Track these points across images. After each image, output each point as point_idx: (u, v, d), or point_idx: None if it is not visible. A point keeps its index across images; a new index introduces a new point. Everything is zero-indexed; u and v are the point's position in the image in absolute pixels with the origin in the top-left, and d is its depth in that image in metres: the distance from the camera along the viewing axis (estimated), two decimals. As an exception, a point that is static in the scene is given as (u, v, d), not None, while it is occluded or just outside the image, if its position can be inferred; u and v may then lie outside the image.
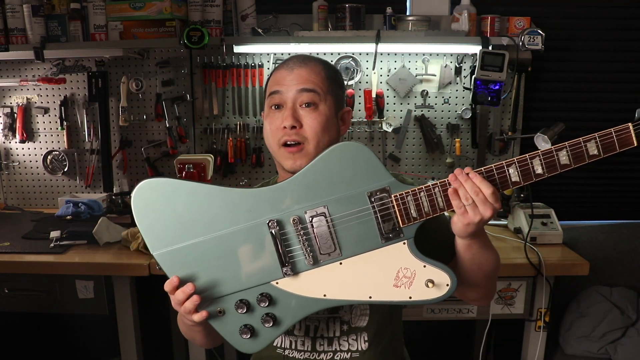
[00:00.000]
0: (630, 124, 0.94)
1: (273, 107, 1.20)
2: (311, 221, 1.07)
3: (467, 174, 1.00)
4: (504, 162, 1.00)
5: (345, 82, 2.34)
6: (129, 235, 2.03)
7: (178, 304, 1.10)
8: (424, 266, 1.05)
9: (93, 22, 2.31)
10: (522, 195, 2.28)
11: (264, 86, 1.34)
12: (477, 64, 2.27)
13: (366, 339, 1.23)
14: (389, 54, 2.46)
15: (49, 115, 2.62)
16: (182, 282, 1.09)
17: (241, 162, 2.58)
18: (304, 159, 1.16)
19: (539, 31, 2.25)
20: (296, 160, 1.17)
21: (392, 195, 1.05)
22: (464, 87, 2.49)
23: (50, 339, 2.78)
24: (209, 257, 1.10)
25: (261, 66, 2.48)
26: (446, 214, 1.07)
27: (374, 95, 2.46)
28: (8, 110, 2.60)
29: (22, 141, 2.63)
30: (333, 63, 2.08)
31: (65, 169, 2.66)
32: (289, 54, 2.42)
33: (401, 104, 2.53)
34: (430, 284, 1.05)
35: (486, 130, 2.53)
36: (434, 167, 2.59)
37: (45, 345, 2.80)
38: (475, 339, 2.60)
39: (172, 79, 2.54)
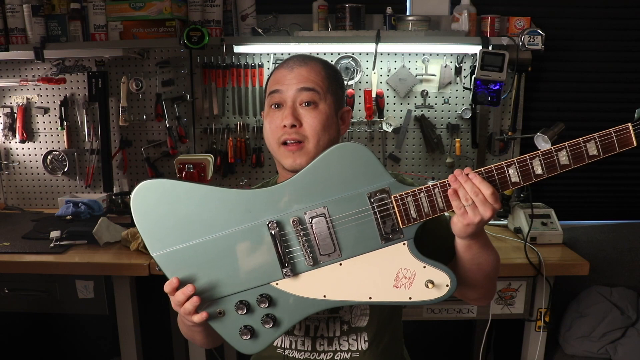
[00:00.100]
0: (629, 124, 0.94)
1: (273, 106, 1.20)
2: (311, 222, 1.07)
3: (467, 174, 1.00)
4: (503, 162, 1.00)
5: (345, 82, 2.34)
6: (129, 235, 2.03)
7: (178, 305, 1.10)
8: (424, 267, 1.06)
9: (93, 22, 2.31)
10: (522, 195, 2.28)
11: (264, 86, 1.34)
12: (477, 64, 2.27)
13: (366, 339, 1.24)
14: (389, 54, 2.46)
15: (49, 115, 2.62)
16: (181, 284, 1.09)
17: (241, 162, 2.58)
18: (304, 158, 1.16)
19: (539, 31, 2.25)
20: (296, 159, 1.17)
21: (392, 196, 1.05)
22: (464, 87, 2.49)
23: (50, 339, 2.78)
24: (209, 258, 1.10)
25: (261, 66, 2.48)
26: (446, 214, 1.07)
27: (374, 95, 2.45)
28: (8, 110, 2.60)
29: (22, 141, 2.63)
30: (333, 63, 2.08)
31: (65, 169, 2.66)
32: (289, 54, 2.42)
33: (401, 104, 2.52)
34: (430, 285, 1.05)
35: (486, 130, 2.53)
36: (434, 167, 2.59)
37: (45, 345, 2.80)
38: (475, 339, 2.60)
39: (172, 79, 2.54)
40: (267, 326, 1.10)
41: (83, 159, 2.65)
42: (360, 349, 1.24)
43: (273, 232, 1.07)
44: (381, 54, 2.44)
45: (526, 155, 0.99)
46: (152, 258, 1.12)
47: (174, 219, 1.10)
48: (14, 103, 2.61)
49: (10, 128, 2.61)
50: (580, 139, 0.96)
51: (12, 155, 2.67)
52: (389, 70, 2.48)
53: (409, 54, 2.47)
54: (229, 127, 2.55)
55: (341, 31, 2.32)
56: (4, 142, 2.66)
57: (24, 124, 2.61)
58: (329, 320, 1.23)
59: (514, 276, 1.99)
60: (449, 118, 2.53)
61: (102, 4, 2.30)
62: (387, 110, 2.52)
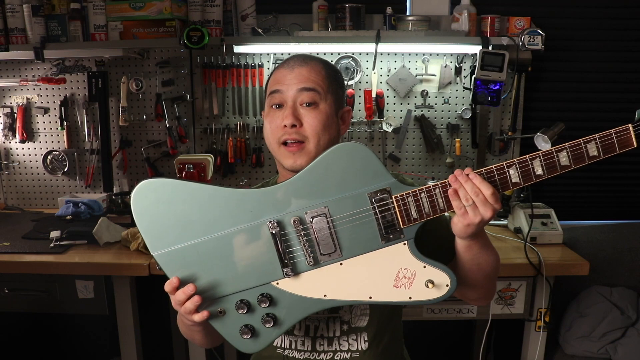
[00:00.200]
0: (630, 125, 0.94)
1: (274, 107, 1.20)
2: (312, 222, 1.07)
3: (467, 174, 1.00)
4: (504, 163, 1.00)
5: (345, 82, 2.33)
6: (129, 235, 2.03)
7: (178, 305, 1.10)
8: (424, 267, 1.06)
9: (93, 22, 2.31)
10: (522, 195, 2.28)
11: (264, 86, 1.34)
12: (477, 64, 2.27)
13: (366, 339, 1.24)
14: (389, 54, 2.46)
15: (49, 115, 2.62)
16: (182, 283, 1.09)
17: (241, 162, 2.58)
18: (304, 158, 1.16)
19: (539, 31, 2.25)
20: (296, 159, 1.17)
21: (393, 196, 1.05)
22: (464, 87, 2.49)
23: (50, 339, 2.78)
24: (209, 258, 1.10)
25: (261, 66, 2.48)
26: (446, 214, 1.07)
27: (374, 95, 2.45)
28: (8, 110, 2.60)
29: (22, 141, 2.63)
30: (333, 63, 2.08)
31: (65, 169, 2.66)
32: (289, 54, 2.42)
33: (401, 104, 2.53)
34: (430, 285, 1.05)
35: (486, 130, 2.53)
36: (434, 167, 2.59)
37: (45, 345, 2.80)
38: (475, 339, 2.60)
39: (172, 79, 2.54)
40: (267, 325, 1.10)
41: (83, 159, 2.65)
42: (360, 349, 1.24)
43: (274, 232, 1.07)
44: (381, 54, 2.44)
45: (527, 155, 0.99)
46: (152, 258, 1.12)
47: (174, 218, 1.10)
48: (14, 103, 2.61)
49: (10, 128, 2.61)
50: (580, 139, 0.96)
51: (12, 155, 2.67)
52: (389, 70, 2.48)
53: (409, 54, 2.47)
54: (229, 127, 2.55)
55: (341, 31, 2.32)
56: (4, 142, 2.66)
57: (24, 124, 2.61)
58: (329, 320, 1.23)
59: (514, 276, 1.99)
60: (449, 118, 2.53)
61: (102, 4, 2.30)
62: (387, 110, 2.52)
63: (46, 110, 2.61)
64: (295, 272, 1.09)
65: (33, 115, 2.62)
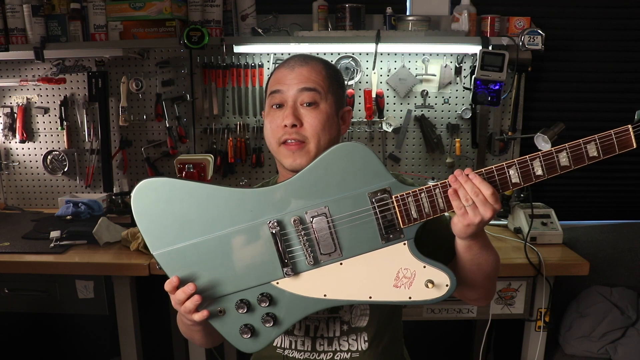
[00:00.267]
0: (629, 125, 0.94)
1: (274, 106, 1.20)
2: (312, 221, 1.07)
3: (467, 175, 1.00)
4: (504, 163, 1.00)
5: (345, 82, 2.34)
6: (129, 235, 2.03)
7: (178, 304, 1.10)
8: (424, 267, 1.06)
9: (93, 22, 2.31)
10: (522, 195, 2.28)
11: (264, 86, 1.34)
12: (477, 64, 2.27)
13: (366, 339, 1.24)
14: (389, 54, 2.46)
15: (49, 115, 2.62)
16: (182, 282, 1.09)
17: (241, 162, 2.58)
18: (304, 158, 1.16)
19: (539, 31, 2.25)
20: (296, 159, 1.17)
21: (393, 196, 1.05)
22: (464, 87, 2.49)
23: (50, 339, 2.78)
24: (210, 257, 1.10)
25: (261, 66, 2.48)
26: (446, 214, 1.07)
27: (374, 95, 2.46)
28: (8, 110, 2.60)
29: (22, 141, 2.63)
30: (333, 63, 2.08)
31: (65, 169, 2.66)
32: (289, 54, 2.42)
33: (401, 104, 2.53)
34: (430, 284, 1.05)
35: (486, 130, 2.54)
36: (434, 167, 2.59)
37: (45, 345, 2.80)
38: (475, 339, 2.60)
39: (172, 79, 2.54)
40: (267, 325, 1.11)
41: (83, 159, 2.65)
42: (360, 349, 1.24)
43: (274, 231, 1.07)
44: (381, 54, 2.44)
45: (526, 156, 0.99)
46: (152, 258, 1.12)
47: (174, 218, 1.10)
48: (14, 103, 2.61)
49: (10, 128, 2.61)
50: (580, 140, 0.96)
51: (12, 155, 2.67)
52: (389, 70, 2.48)
53: (409, 54, 2.47)
54: (229, 127, 2.55)
55: (341, 31, 2.32)
56: (4, 142, 2.66)
57: (24, 124, 2.61)
58: (329, 320, 1.23)
59: (514, 276, 1.99)
60: (449, 118, 2.53)
61: (102, 4, 2.30)
62: (387, 110, 2.52)
63: (46, 110, 2.61)
64: (295, 272, 1.09)
65: (33, 115, 2.62)
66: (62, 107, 2.58)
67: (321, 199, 1.07)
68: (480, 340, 2.34)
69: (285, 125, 1.16)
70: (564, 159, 0.97)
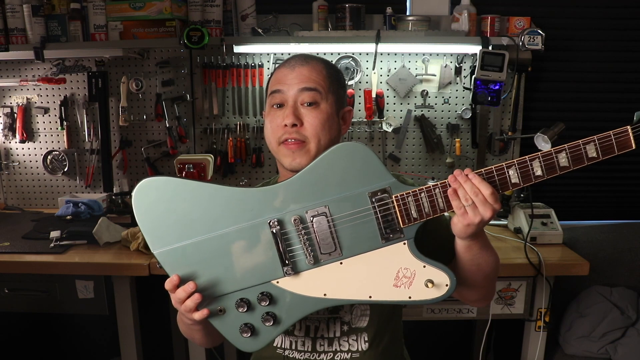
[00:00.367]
0: (629, 126, 0.94)
1: (274, 106, 1.20)
2: (312, 221, 1.07)
3: (467, 174, 1.00)
4: (503, 163, 1.00)
5: (346, 82, 2.34)
6: (129, 235, 2.03)
7: (179, 303, 1.10)
8: (424, 266, 1.06)
9: (93, 22, 2.31)
10: (522, 195, 2.28)
11: (264, 85, 1.34)
12: (477, 64, 2.27)
13: (366, 339, 1.24)
14: (389, 54, 2.46)
15: (49, 115, 2.62)
16: (182, 281, 1.09)
17: (241, 162, 2.58)
18: (304, 157, 1.16)
19: (539, 31, 2.25)
20: (295, 158, 1.17)
21: (393, 196, 1.05)
22: (464, 87, 2.49)
23: (50, 339, 2.78)
24: (210, 256, 1.10)
25: (261, 66, 2.48)
26: (446, 214, 1.07)
27: (374, 95, 2.46)
28: (8, 110, 2.60)
29: (22, 141, 2.63)
30: (333, 63, 2.08)
31: (65, 169, 2.66)
32: (289, 54, 2.42)
33: (401, 104, 2.53)
34: (429, 284, 1.05)
35: (486, 130, 2.54)
36: (434, 167, 2.59)
37: (45, 345, 2.80)
38: (475, 339, 2.60)
39: (172, 79, 2.54)
40: (267, 324, 1.11)
41: (83, 159, 2.65)
42: (360, 349, 1.24)
43: (274, 231, 1.07)
44: (381, 54, 2.44)
45: (526, 156, 0.99)
46: (152, 257, 1.12)
47: (175, 217, 1.10)
48: (14, 103, 2.61)
49: (10, 128, 2.61)
50: (579, 141, 0.96)
51: (12, 155, 2.67)
52: (389, 70, 2.48)
53: (409, 54, 2.47)
54: (229, 127, 2.55)
55: (341, 31, 2.33)
56: (4, 142, 2.66)
57: (24, 124, 2.61)
58: (329, 320, 1.23)
59: (514, 276, 1.99)
60: (449, 118, 2.53)
61: (102, 4, 2.30)
62: (387, 110, 2.52)
63: (46, 110, 2.61)
64: (296, 271, 1.09)
65: (33, 115, 2.62)
66: (62, 107, 2.58)
67: (321, 199, 1.07)
68: (480, 340, 2.34)
69: (286, 125, 1.16)
70: (563, 159, 0.97)
